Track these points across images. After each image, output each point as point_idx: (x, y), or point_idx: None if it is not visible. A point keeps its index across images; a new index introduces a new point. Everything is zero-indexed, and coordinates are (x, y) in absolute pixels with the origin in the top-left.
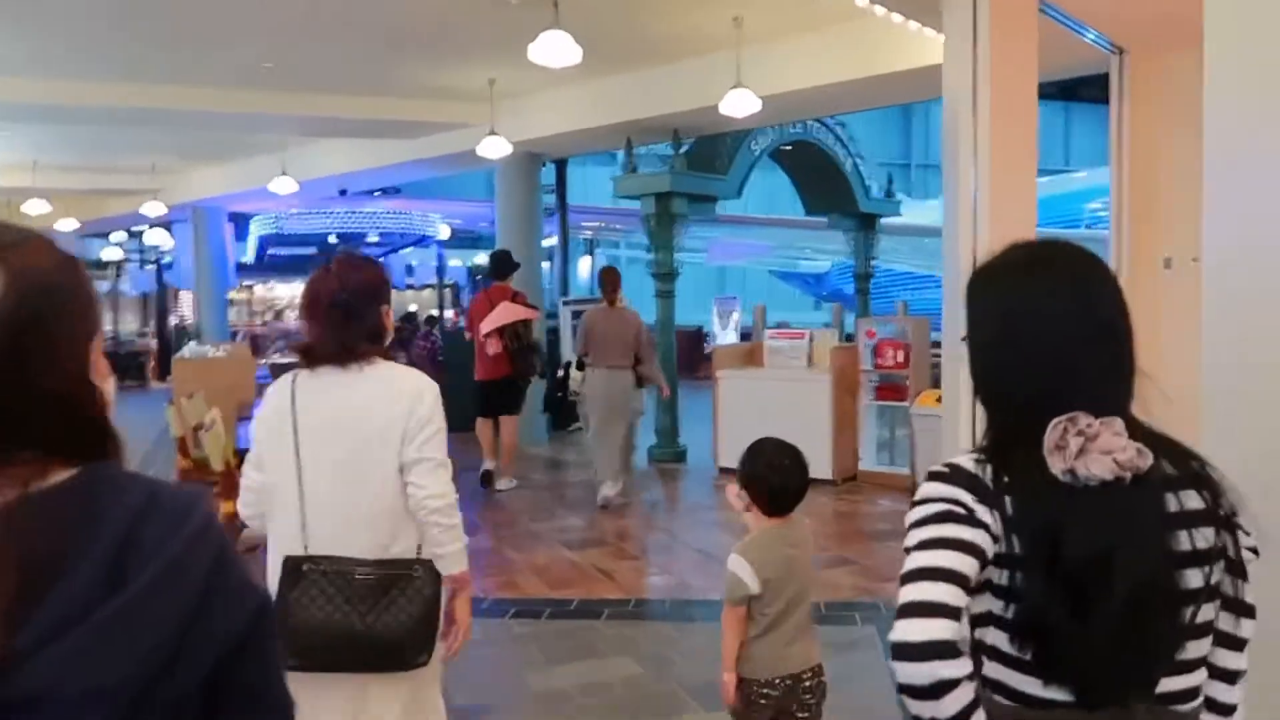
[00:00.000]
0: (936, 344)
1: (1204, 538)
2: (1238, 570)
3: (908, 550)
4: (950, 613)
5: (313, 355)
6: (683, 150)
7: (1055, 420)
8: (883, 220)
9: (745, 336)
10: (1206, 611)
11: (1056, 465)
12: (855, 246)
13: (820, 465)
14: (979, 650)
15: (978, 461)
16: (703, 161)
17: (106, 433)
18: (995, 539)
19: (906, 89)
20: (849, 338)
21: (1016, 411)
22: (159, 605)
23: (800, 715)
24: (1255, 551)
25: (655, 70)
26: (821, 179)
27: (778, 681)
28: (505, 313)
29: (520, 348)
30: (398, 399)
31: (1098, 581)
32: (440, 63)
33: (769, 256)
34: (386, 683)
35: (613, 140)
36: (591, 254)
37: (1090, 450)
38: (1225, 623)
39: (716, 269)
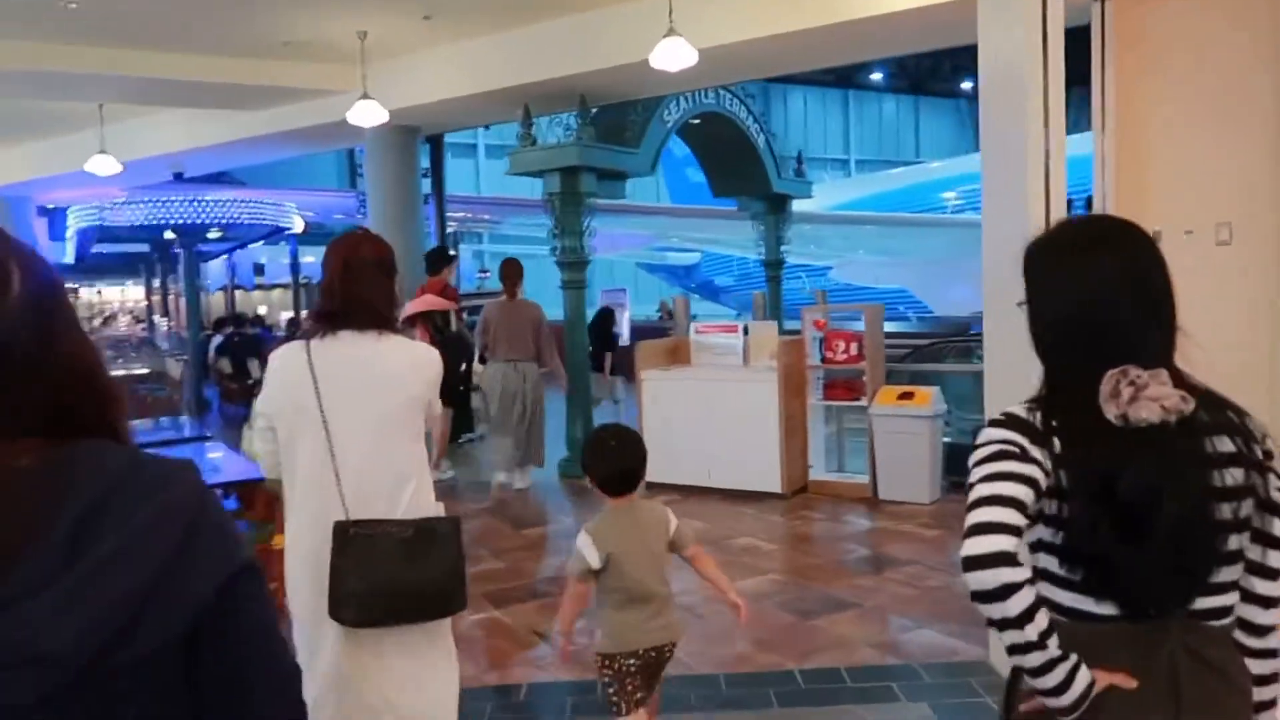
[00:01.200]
0: (891, 335)
1: (1233, 477)
2: (1269, 507)
3: (971, 485)
4: (1010, 530)
5: (337, 319)
6: (589, 120)
7: (1109, 373)
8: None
9: (634, 333)
10: (1235, 541)
11: (1110, 411)
12: (766, 231)
13: (768, 477)
14: (1034, 575)
15: (1029, 410)
16: (610, 133)
17: (112, 396)
18: (1047, 474)
19: (863, 42)
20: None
21: (1074, 368)
22: (116, 575)
23: (654, 682)
24: None
25: (563, 21)
26: (733, 156)
27: (641, 653)
28: (420, 303)
29: (443, 339)
30: (422, 366)
31: (1147, 512)
32: (298, 9)
33: (643, 249)
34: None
35: (506, 110)
36: (456, 248)
37: (1140, 398)
38: (1254, 553)
39: None
